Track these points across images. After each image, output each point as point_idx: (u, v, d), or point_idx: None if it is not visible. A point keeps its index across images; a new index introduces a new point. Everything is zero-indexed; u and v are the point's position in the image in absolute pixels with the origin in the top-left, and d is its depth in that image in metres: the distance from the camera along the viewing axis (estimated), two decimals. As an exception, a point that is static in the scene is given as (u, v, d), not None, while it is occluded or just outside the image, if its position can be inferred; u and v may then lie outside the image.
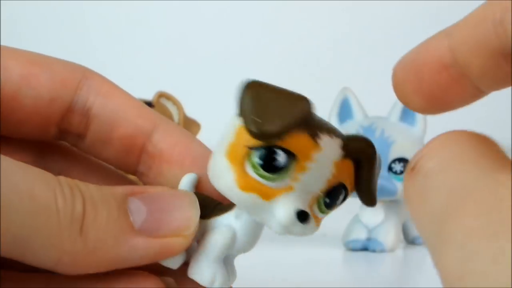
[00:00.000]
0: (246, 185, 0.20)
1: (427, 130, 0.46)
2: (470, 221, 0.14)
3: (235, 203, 0.21)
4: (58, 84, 0.24)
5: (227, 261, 0.23)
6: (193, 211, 0.21)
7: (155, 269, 0.22)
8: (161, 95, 0.50)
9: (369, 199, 0.22)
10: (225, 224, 0.22)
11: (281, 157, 0.20)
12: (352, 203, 0.48)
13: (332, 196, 0.21)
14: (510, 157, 0.17)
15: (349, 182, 0.21)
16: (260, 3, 1.08)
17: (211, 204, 0.22)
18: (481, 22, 0.17)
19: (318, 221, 0.22)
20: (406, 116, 0.46)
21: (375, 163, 0.22)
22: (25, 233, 0.18)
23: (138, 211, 0.21)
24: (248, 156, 0.20)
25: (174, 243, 0.21)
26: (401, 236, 0.49)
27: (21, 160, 0.24)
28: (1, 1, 1.06)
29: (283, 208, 0.20)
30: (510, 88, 0.18)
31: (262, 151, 0.20)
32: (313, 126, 0.20)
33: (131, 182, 0.26)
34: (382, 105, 0.48)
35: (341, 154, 0.21)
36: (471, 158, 0.16)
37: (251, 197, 0.20)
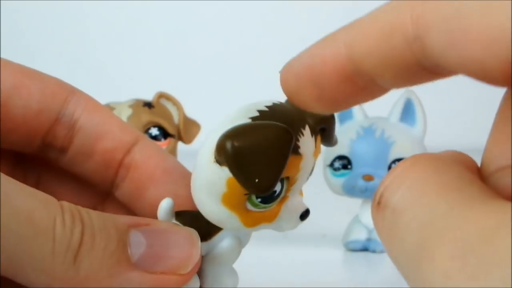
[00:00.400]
0: (253, 222, 0.21)
1: (427, 131, 0.46)
2: (446, 264, 0.14)
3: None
4: (48, 96, 0.24)
5: None
6: (194, 250, 0.21)
7: None
8: (161, 95, 0.50)
9: (334, 144, 0.23)
10: (230, 235, 0.22)
11: (277, 187, 0.20)
12: (353, 204, 0.48)
13: (311, 172, 0.22)
14: (478, 177, 0.17)
15: (320, 150, 0.22)
16: (260, 3, 1.09)
17: (203, 219, 0.22)
18: (389, 36, 0.16)
19: (301, 193, 0.23)
20: (406, 116, 0.46)
21: (335, 122, 0.22)
22: (19, 255, 0.18)
23: (138, 244, 0.21)
24: (247, 198, 0.20)
25: (169, 280, 0.21)
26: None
27: (0, 159, 0.25)
28: (1, 1, 1.06)
29: (290, 221, 0.22)
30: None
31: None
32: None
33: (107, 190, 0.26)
34: (382, 105, 0.48)
35: (314, 141, 0.21)
36: (435, 190, 0.16)
37: (260, 227, 0.21)
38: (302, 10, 1.08)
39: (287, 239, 0.47)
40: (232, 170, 0.19)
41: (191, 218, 0.22)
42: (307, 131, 0.21)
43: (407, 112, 0.46)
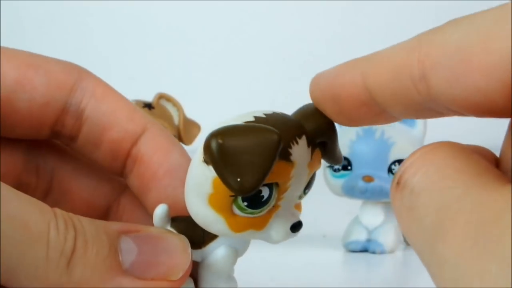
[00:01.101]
0: (239, 227, 0.21)
1: (427, 132, 0.46)
2: (459, 243, 0.15)
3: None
4: (53, 88, 0.24)
5: None
6: (184, 257, 0.21)
7: None
8: (161, 96, 0.50)
9: (336, 161, 0.23)
10: (225, 244, 0.22)
11: (265, 192, 0.20)
12: (352, 205, 0.48)
13: (309, 185, 0.22)
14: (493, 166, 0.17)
15: (319, 165, 0.22)
16: (260, 4, 1.09)
17: (198, 226, 0.22)
18: (398, 75, 0.18)
19: (299, 208, 0.22)
20: (406, 117, 0.46)
21: (337, 137, 0.22)
22: (13, 260, 0.19)
23: (129, 251, 0.21)
24: (233, 201, 0.20)
25: (160, 286, 0.21)
26: (401, 237, 0.49)
27: (12, 157, 0.25)
28: (2, 0, 1.07)
29: (279, 231, 0.21)
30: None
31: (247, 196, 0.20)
32: (283, 149, 0.20)
33: (121, 181, 0.26)
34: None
35: (310, 152, 0.21)
36: (452, 175, 0.17)
37: (247, 233, 0.21)
38: (302, 12, 1.08)
39: (287, 241, 0.47)
40: (215, 167, 0.19)
41: (187, 224, 0.22)
42: (303, 140, 0.20)
43: (407, 113, 0.46)
